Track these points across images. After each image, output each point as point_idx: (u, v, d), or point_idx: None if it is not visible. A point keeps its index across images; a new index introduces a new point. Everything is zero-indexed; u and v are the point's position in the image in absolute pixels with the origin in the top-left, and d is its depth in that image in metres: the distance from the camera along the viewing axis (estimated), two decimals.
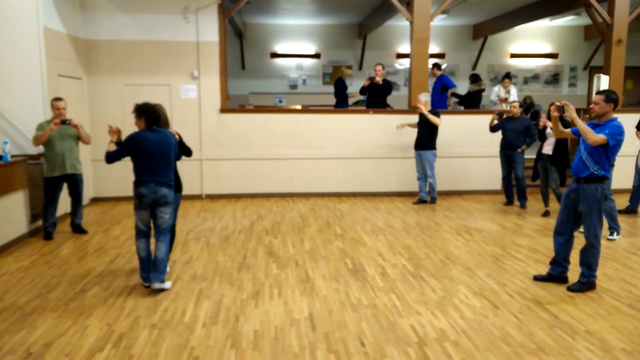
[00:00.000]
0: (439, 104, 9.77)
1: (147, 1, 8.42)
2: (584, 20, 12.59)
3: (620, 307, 4.24)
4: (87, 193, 8.19)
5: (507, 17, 12.16)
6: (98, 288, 4.69)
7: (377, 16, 11.48)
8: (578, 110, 5.36)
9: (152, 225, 4.74)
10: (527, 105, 12.74)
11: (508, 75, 10.83)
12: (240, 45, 13.17)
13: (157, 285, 4.59)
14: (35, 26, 6.88)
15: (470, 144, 9.11)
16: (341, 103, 10.25)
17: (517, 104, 8.17)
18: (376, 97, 9.34)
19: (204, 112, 8.74)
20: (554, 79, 14.35)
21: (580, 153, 4.56)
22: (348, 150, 9.01)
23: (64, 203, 6.92)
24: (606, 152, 4.43)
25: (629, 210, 7.65)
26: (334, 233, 6.63)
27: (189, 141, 5.33)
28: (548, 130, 7.08)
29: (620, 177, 8.18)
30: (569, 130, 4.85)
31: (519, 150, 7.99)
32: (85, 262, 5.44)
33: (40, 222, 6.56)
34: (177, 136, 5.00)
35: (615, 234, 6.32)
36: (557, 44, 14.14)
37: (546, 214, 7.55)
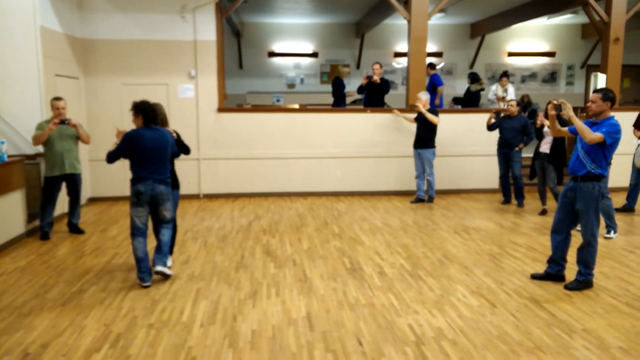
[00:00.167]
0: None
1: (144, 1, 8.40)
2: (581, 18, 12.60)
3: (617, 306, 4.24)
4: (85, 193, 8.17)
5: (504, 16, 12.17)
6: (95, 288, 4.68)
7: (374, 15, 11.47)
8: (575, 109, 5.35)
9: (149, 224, 4.76)
10: (525, 103, 12.76)
11: (506, 74, 10.83)
12: (238, 44, 13.16)
13: (159, 268, 4.70)
14: (32, 26, 6.86)
15: (467, 143, 9.11)
16: (339, 102, 10.24)
17: (514, 103, 8.18)
18: (374, 96, 9.34)
19: (202, 111, 8.73)
20: (552, 77, 14.37)
21: (578, 151, 4.56)
22: (346, 149, 9.01)
23: (62, 203, 6.91)
24: (603, 151, 4.44)
25: (626, 209, 7.66)
26: (332, 232, 6.63)
27: (186, 141, 5.33)
28: (545, 129, 7.08)
29: (618, 175, 8.19)
30: (566, 128, 4.85)
31: (517, 148, 7.99)
32: (82, 263, 5.43)
33: (37, 222, 6.55)
34: (174, 134, 5.02)
35: (612, 232, 6.33)
36: (555, 42, 14.15)
37: (543, 212, 7.56)
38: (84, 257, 5.61)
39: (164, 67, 8.57)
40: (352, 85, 12.08)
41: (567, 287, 4.60)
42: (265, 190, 8.99)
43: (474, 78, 10.63)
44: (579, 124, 4.42)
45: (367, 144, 9.01)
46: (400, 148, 8.98)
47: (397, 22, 12.30)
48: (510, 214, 7.67)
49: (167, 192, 4.73)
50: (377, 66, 9.21)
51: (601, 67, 9.43)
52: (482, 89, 10.67)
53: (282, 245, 6.07)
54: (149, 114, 4.67)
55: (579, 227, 4.76)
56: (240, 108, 9.91)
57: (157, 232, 4.87)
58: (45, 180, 6.32)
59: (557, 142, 7.04)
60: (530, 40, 14.06)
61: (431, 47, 13.40)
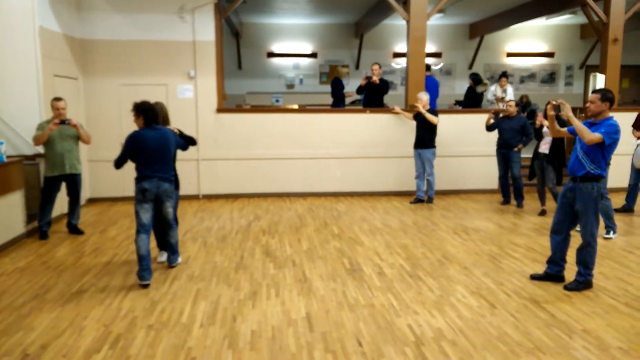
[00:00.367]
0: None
1: (143, 1, 8.40)
2: (580, 19, 12.62)
3: (616, 306, 4.25)
4: (84, 194, 8.15)
5: (503, 16, 12.18)
6: (95, 289, 4.67)
7: (373, 15, 11.48)
8: (574, 109, 5.36)
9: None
10: (524, 104, 12.77)
11: (505, 74, 10.84)
12: (237, 44, 13.16)
13: (178, 262, 5.26)
14: (31, 26, 6.85)
15: (466, 143, 9.12)
16: (338, 102, 10.24)
17: (513, 103, 8.19)
18: (373, 97, 9.34)
19: (201, 112, 8.73)
20: (550, 77, 14.38)
21: (577, 152, 4.57)
22: (345, 149, 9.01)
23: (61, 203, 6.90)
24: (602, 151, 4.44)
25: (625, 209, 7.67)
26: (331, 233, 6.63)
27: None
28: (544, 129, 7.09)
29: (617, 175, 8.20)
30: (565, 129, 4.85)
31: (516, 149, 8.00)
32: (81, 263, 5.43)
33: (36, 223, 6.54)
34: (176, 131, 5.16)
35: (611, 232, 6.33)
36: (553, 42, 14.17)
37: (543, 213, 7.56)
38: (83, 258, 5.61)
39: (163, 67, 8.57)
40: (351, 85, 12.10)
41: (566, 288, 4.60)
42: (264, 190, 8.99)
43: (477, 79, 10.57)
44: (577, 124, 4.42)
45: (366, 145, 9.01)
46: (399, 148, 8.98)
47: (396, 22, 12.31)
48: (510, 214, 7.67)
49: (171, 189, 4.90)
50: (376, 67, 9.21)
51: (600, 68, 9.44)
52: (486, 90, 10.67)
53: (281, 245, 6.07)
54: (149, 114, 4.75)
55: (578, 228, 4.76)
56: (239, 108, 9.91)
57: (165, 236, 5.14)
58: (45, 180, 6.32)
59: (556, 143, 7.04)
60: (529, 41, 14.08)
61: (430, 48, 13.42)
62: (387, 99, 9.81)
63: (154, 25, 8.46)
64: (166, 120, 5.22)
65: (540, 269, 5.06)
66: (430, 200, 8.45)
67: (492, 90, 10.92)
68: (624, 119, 6.34)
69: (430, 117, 8.10)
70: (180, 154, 5.29)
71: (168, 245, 5.20)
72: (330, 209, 8.09)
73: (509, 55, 14.14)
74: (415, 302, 4.34)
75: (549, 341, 3.63)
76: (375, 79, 9.14)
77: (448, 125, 8.89)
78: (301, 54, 13.58)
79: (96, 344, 3.61)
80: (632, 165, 7.45)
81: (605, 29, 9.28)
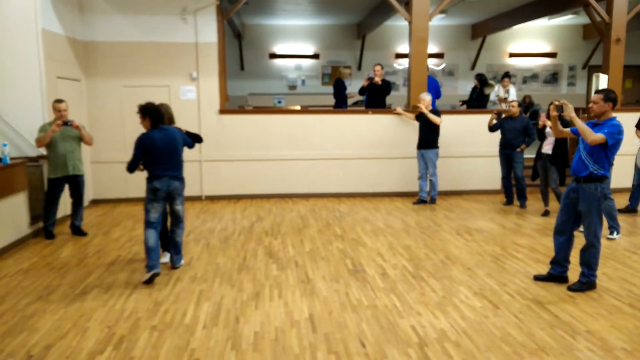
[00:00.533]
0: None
1: (145, 3, 8.42)
2: (582, 19, 12.60)
3: (620, 307, 4.24)
4: (87, 195, 8.17)
5: (505, 17, 12.17)
6: (98, 290, 4.68)
7: (375, 16, 11.48)
8: (577, 110, 5.38)
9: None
10: (527, 104, 12.74)
11: (507, 75, 10.82)
12: (239, 46, 13.17)
13: (181, 263, 5.25)
14: (34, 28, 6.88)
15: (469, 144, 9.11)
16: (340, 103, 10.24)
17: (515, 104, 8.17)
18: (375, 98, 9.34)
19: (203, 113, 8.74)
20: (553, 78, 14.36)
21: (580, 152, 4.56)
22: (347, 150, 9.01)
23: (64, 205, 6.91)
24: (605, 152, 4.43)
25: (629, 210, 7.65)
26: (334, 234, 6.63)
27: None
28: (547, 130, 7.08)
29: (620, 176, 8.19)
30: (568, 129, 4.85)
31: (518, 149, 7.99)
32: (85, 264, 5.44)
33: (40, 224, 6.57)
34: (183, 129, 5.27)
35: (615, 233, 6.32)
36: (556, 43, 14.14)
37: (546, 213, 7.55)
38: (86, 259, 5.62)
39: (165, 69, 8.58)
40: (353, 86, 12.10)
41: (570, 289, 4.59)
42: (267, 191, 8.99)
43: (483, 79, 10.51)
44: (580, 125, 4.42)
45: (368, 145, 9.01)
46: (402, 149, 8.98)
47: (398, 23, 12.30)
48: (513, 215, 7.66)
49: (181, 187, 5.06)
50: (378, 67, 9.22)
51: (603, 68, 9.42)
52: (492, 91, 10.63)
53: (284, 246, 6.07)
54: (155, 115, 4.88)
55: (581, 228, 4.75)
56: (241, 110, 9.92)
57: (171, 234, 5.21)
58: (49, 182, 6.34)
59: (559, 143, 7.03)
60: (531, 41, 14.06)
61: (432, 48, 13.40)
62: (390, 99, 9.81)
63: (156, 27, 8.48)
64: (172, 121, 5.37)
65: (544, 269, 5.05)
66: (433, 201, 8.44)
67: (495, 91, 10.91)
68: (627, 119, 6.33)
69: (432, 117, 8.10)
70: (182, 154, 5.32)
71: (173, 243, 5.25)
72: (333, 210, 8.09)
73: (512, 55, 14.12)
74: (419, 303, 4.33)
75: (553, 342, 3.62)
76: (378, 79, 9.14)
77: (451, 126, 8.88)
78: (303, 55, 13.59)
79: (100, 345, 3.61)
80: (636, 165, 7.42)
81: (607, 29, 9.26)
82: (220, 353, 3.50)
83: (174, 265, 5.25)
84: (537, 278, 4.87)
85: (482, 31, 13.45)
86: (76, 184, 6.47)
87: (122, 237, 6.56)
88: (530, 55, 14.12)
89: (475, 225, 7.03)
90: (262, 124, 8.87)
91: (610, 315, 4.07)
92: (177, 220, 5.19)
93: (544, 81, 14.33)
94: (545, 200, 7.58)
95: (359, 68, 13.67)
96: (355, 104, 11.55)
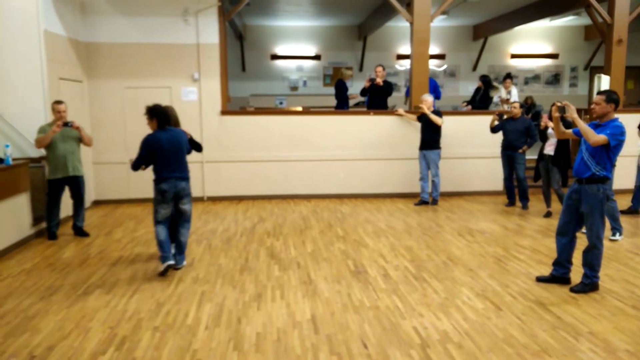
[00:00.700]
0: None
1: (147, 4, 8.43)
2: (584, 20, 12.60)
3: (623, 308, 4.23)
4: (89, 196, 8.19)
5: (507, 18, 12.17)
6: (100, 291, 4.69)
7: (377, 17, 11.48)
8: (579, 111, 5.37)
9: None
10: (528, 105, 12.73)
11: (509, 76, 10.81)
12: (241, 47, 13.19)
13: (183, 264, 5.26)
14: (36, 29, 6.89)
15: (471, 145, 9.10)
16: (342, 104, 10.23)
17: (517, 105, 8.17)
18: (377, 99, 9.34)
19: (205, 114, 8.75)
20: (555, 79, 14.35)
21: (582, 153, 4.55)
22: (349, 151, 9.01)
23: (66, 205, 6.92)
24: (608, 153, 4.43)
25: (631, 211, 7.63)
26: (336, 235, 6.63)
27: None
28: (550, 131, 7.07)
29: (622, 177, 8.17)
30: (570, 130, 4.84)
31: (520, 150, 7.98)
32: (87, 265, 5.44)
33: (43, 225, 6.58)
34: (188, 135, 5.35)
35: (617, 234, 6.31)
36: (558, 44, 14.14)
37: (548, 214, 7.54)
38: (89, 260, 5.62)
39: (167, 70, 8.59)
40: (355, 87, 12.10)
41: (572, 290, 4.58)
42: (268, 192, 8.99)
43: (487, 81, 10.46)
44: (582, 126, 4.41)
45: (370, 146, 9.01)
46: (403, 150, 8.97)
47: (400, 24, 12.31)
48: (515, 216, 7.65)
49: (187, 187, 5.18)
50: (379, 68, 9.22)
51: (605, 69, 9.41)
52: (497, 93, 10.62)
53: (286, 247, 6.07)
54: (162, 116, 5.01)
55: (584, 230, 4.75)
56: (243, 111, 9.93)
57: (177, 233, 5.25)
58: (49, 183, 6.34)
59: (562, 144, 7.02)
60: (533, 42, 14.05)
61: (434, 50, 13.41)
62: (391, 100, 9.81)
63: (158, 28, 8.49)
64: (177, 124, 5.44)
65: (546, 271, 5.05)
66: (435, 202, 8.44)
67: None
68: (629, 121, 6.33)
69: (434, 118, 8.10)
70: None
71: (177, 243, 5.30)
72: (335, 210, 8.09)
73: (513, 56, 14.12)
74: (421, 304, 4.33)
75: (555, 343, 3.61)
76: (379, 80, 9.14)
77: (452, 127, 8.88)
78: (305, 56, 13.60)
79: (102, 346, 3.62)
80: (638, 166, 7.41)
81: (609, 30, 9.26)
82: (222, 354, 3.50)
83: (176, 265, 5.26)
84: (540, 279, 4.86)
85: (483, 32, 13.45)
86: (76, 184, 6.48)
87: (124, 237, 6.56)
88: (532, 56, 14.12)
89: (477, 226, 7.02)
90: (264, 125, 8.88)
91: (613, 316, 4.07)
92: (184, 219, 5.25)
93: (545, 82, 14.33)
94: (548, 201, 7.58)
95: (361, 69, 13.68)
96: (357, 105, 11.55)
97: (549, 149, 7.19)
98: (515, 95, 10.51)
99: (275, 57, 13.53)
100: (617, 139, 4.37)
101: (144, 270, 5.25)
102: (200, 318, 4.07)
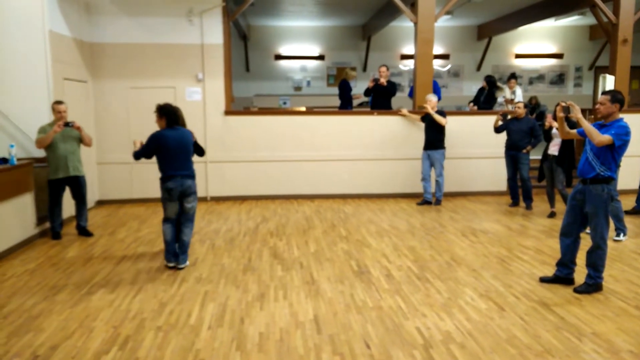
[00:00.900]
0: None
1: (151, 4, 8.45)
2: (588, 20, 12.55)
3: (627, 309, 4.21)
4: (92, 196, 8.23)
5: (511, 18, 12.13)
6: (104, 290, 4.70)
7: (381, 17, 11.48)
8: (584, 111, 5.35)
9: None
10: (533, 105, 12.70)
11: (514, 76, 10.78)
12: (245, 47, 13.21)
13: (186, 264, 5.30)
14: (41, 30, 6.92)
15: (475, 145, 9.08)
16: (345, 104, 10.24)
17: (521, 105, 8.15)
18: (380, 99, 9.34)
19: (209, 114, 8.76)
20: (559, 79, 14.30)
21: (587, 154, 4.54)
22: (353, 151, 9.00)
23: (69, 205, 6.95)
24: (612, 153, 4.41)
25: (636, 211, 7.60)
26: (339, 235, 6.63)
27: None
28: (554, 131, 7.05)
29: (626, 177, 8.13)
30: (574, 131, 4.82)
31: (524, 151, 7.96)
32: (91, 265, 5.46)
33: (47, 224, 6.60)
34: (194, 137, 5.43)
35: (621, 235, 6.28)
36: (562, 44, 14.09)
37: (552, 215, 7.51)
38: (92, 260, 5.64)
39: (171, 70, 8.61)
40: (358, 87, 12.11)
41: (576, 291, 4.57)
42: (272, 192, 9.00)
43: (492, 81, 10.42)
44: (587, 126, 4.39)
45: (373, 147, 9.00)
46: (407, 150, 8.96)
47: (404, 24, 12.30)
48: (519, 216, 7.63)
49: (193, 185, 5.28)
50: (383, 69, 9.21)
51: (609, 69, 9.37)
52: (502, 94, 10.60)
53: (289, 248, 6.07)
54: (171, 116, 5.15)
55: (588, 230, 4.73)
56: (247, 111, 9.94)
57: (180, 232, 5.33)
58: (50, 184, 6.35)
59: (566, 144, 7.00)
60: (537, 42, 14.01)
61: (438, 50, 13.39)
62: (395, 101, 9.79)
63: (162, 29, 8.51)
64: (184, 125, 5.46)
65: (550, 271, 5.03)
66: (438, 202, 8.42)
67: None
68: (634, 121, 6.29)
69: (438, 118, 8.09)
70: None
71: (180, 242, 5.35)
72: (338, 211, 8.09)
73: (518, 56, 14.08)
74: (424, 304, 4.32)
75: (559, 344, 3.60)
76: (383, 81, 9.13)
77: (456, 127, 8.87)
78: (308, 57, 13.61)
79: (105, 346, 3.63)
80: None
81: (614, 30, 9.22)
82: (225, 354, 3.50)
83: (179, 265, 5.27)
84: (543, 280, 4.84)
85: (487, 32, 13.42)
86: (77, 184, 6.48)
87: (128, 237, 6.58)
88: (537, 56, 14.08)
89: (481, 226, 7.01)
90: (268, 125, 8.88)
91: (616, 317, 4.05)
92: (187, 219, 5.32)
93: (550, 82, 14.28)
94: (552, 201, 7.55)
95: (364, 69, 13.68)
96: (361, 105, 11.55)
97: (553, 149, 7.17)
98: (519, 95, 10.48)
99: (279, 57, 13.54)
100: (621, 139, 4.35)
101: (147, 270, 5.27)
102: (203, 318, 4.08)
